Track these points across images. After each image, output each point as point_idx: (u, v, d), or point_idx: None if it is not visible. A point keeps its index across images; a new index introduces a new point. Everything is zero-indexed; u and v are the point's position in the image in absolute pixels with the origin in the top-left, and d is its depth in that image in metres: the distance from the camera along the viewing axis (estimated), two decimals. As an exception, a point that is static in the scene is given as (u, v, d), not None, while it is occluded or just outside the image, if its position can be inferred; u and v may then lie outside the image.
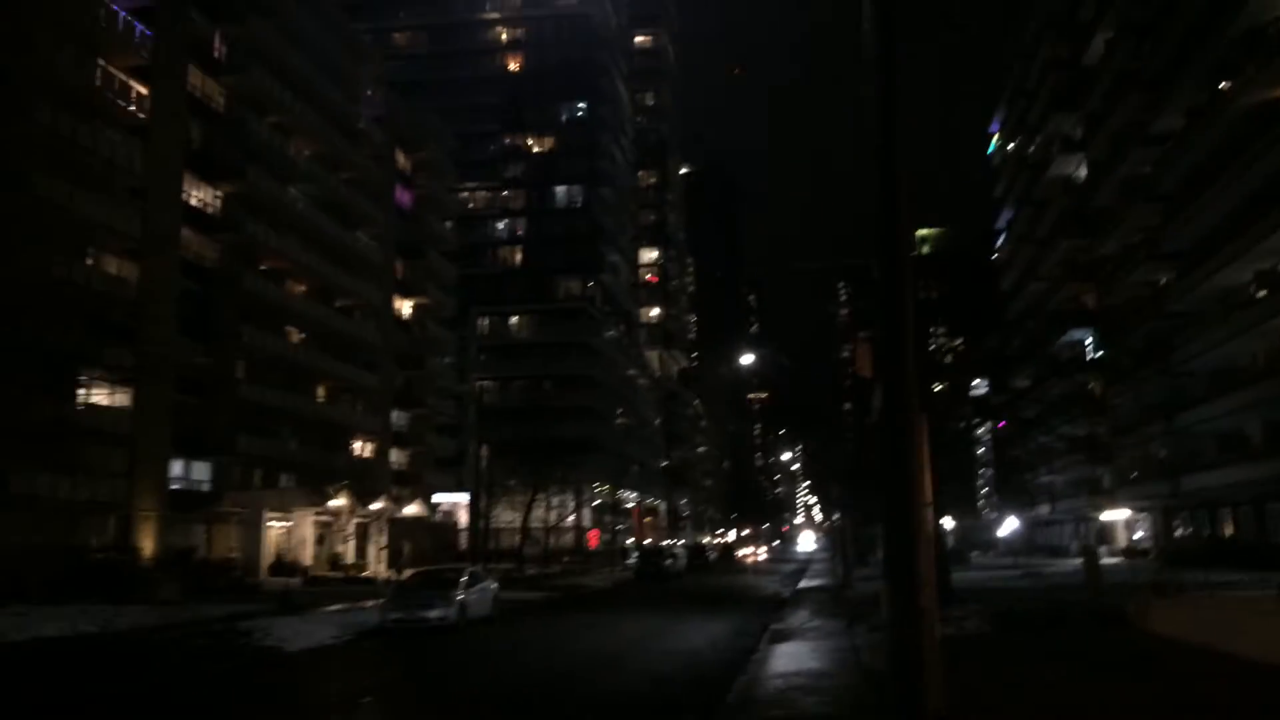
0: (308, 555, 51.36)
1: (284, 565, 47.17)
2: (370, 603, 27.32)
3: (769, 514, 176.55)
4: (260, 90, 49.55)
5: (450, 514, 73.62)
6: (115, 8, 40.22)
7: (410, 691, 13.63)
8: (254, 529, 47.05)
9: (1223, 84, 35.96)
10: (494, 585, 25.28)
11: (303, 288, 54.74)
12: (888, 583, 7.97)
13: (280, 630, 19.79)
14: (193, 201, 46.41)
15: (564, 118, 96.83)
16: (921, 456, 7.95)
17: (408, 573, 34.44)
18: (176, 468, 44.82)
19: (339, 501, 49.88)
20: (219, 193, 48.02)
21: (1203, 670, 12.63)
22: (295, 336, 54.25)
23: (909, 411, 8.01)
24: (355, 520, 53.33)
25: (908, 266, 8.16)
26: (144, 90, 42.41)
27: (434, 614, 21.11)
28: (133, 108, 41.65)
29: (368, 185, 61.57)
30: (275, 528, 49.77)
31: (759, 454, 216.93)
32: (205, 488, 46.35)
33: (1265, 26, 32.84)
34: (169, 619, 22.39)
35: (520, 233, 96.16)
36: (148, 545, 40.77)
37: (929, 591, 7.73)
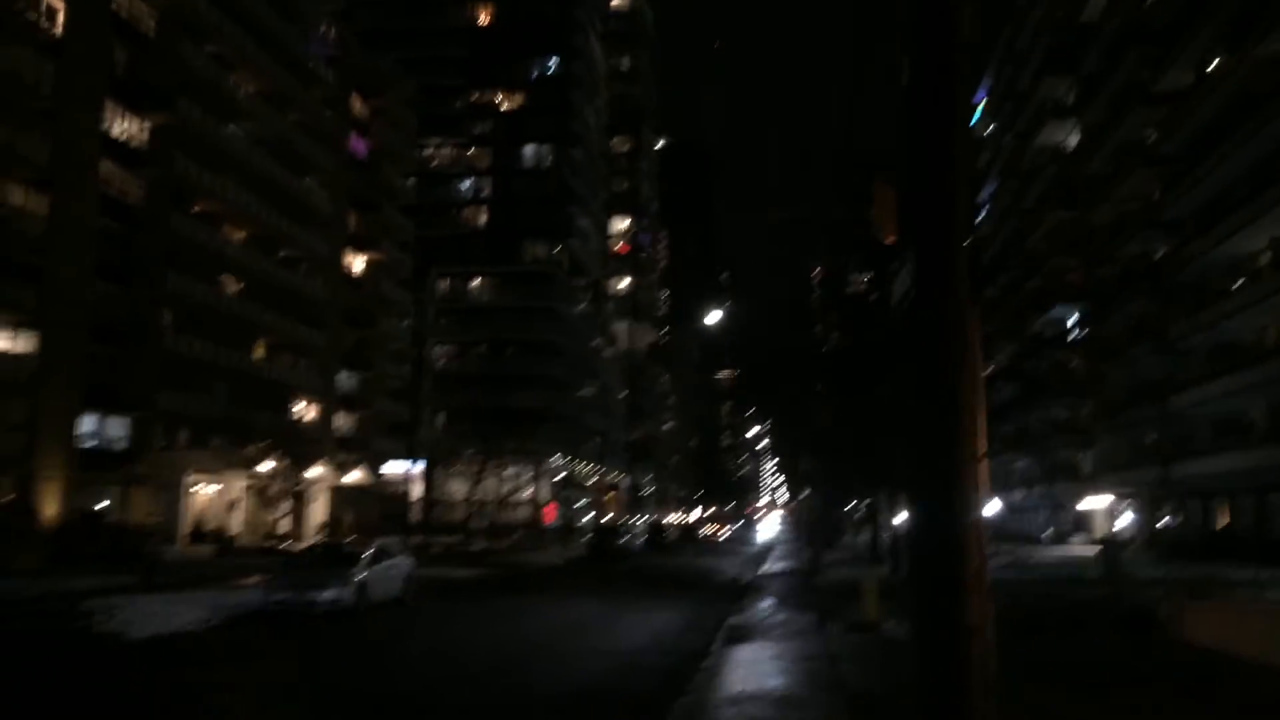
0: (237, 523, 47.73)
1: (205, 533, 43.55)
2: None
3: (734, 494, 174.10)
4: (195, 14, 45.31)
5: (400, 483, 69.91)
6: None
7: (235, 704, 10.21)
8: (174, 493, 43.40)
9: (1239, 36, 32.83)
10: (408, 562, 21.84)
11: (241, 234, 50.72)
12: (915, 582, 4.83)
13: (133, 612, 16.32)
14: (115, 132, 42.26)
15: (534, 74, 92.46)
16: (976, 373, 4.65)
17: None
18: (89, 423, 40.97)
19: (270, 465, 46.15)
20: (147, 124, 43.91)
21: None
22: (232, 286, 50.26)
23: (959, 295, 4.72)
24: (290, 486, 49.69)
25: (961, 49, 4.82)
26: (59, 4, 38.32)
27: (326, 595, 17.69)
28: (45, 22, 37.58)
29: (319, 130, 57.50)
30: (201, 493, 46.08)
31: (726, 432, 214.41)
32: (121, 446, 42.48)
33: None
34: (12, 594, 18.82)
35: (485, 192, 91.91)
36: (51, 508, 37.03)
37: (981, 599, 4.61)
